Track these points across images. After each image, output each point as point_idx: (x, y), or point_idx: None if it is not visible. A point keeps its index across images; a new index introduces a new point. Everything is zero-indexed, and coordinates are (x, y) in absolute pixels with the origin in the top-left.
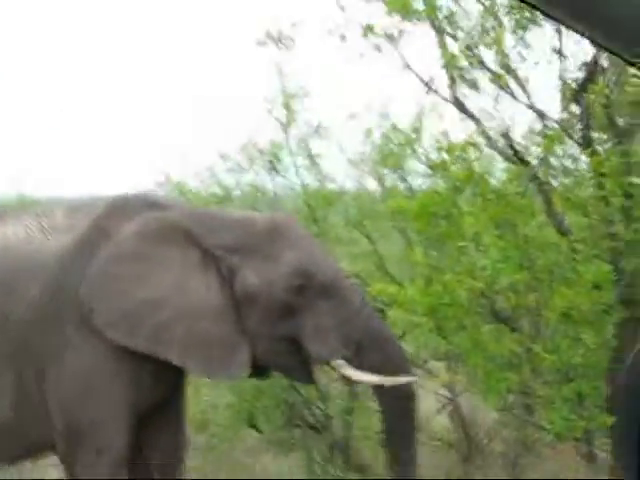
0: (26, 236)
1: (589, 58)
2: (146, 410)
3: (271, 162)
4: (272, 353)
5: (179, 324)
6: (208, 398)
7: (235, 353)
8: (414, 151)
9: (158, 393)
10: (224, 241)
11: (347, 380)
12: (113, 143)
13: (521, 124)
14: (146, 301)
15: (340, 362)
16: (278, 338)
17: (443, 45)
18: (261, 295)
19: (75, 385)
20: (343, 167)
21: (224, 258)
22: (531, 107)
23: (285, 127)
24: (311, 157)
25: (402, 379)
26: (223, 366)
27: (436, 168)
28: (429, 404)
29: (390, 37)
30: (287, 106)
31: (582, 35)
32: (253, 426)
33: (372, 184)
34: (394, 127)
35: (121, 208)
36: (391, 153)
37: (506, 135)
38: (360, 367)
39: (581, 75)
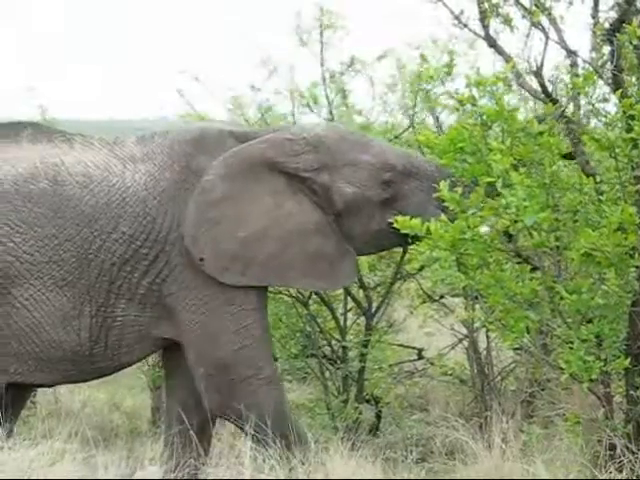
0: (105, 165)
1: None
2: None
3: (308, 104)
4: (379, 245)
5: (287, 249)
6: None
7: (346, 261)
8: (443, 84)
9: None
10: (308, 163)
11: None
12: (134, 69)
13: (552, 63)
14: (249, 238)
15: None
16: (384, 229)
17: None
18: (360, 199)
19: (209, 325)
20: (373, 101)
21: (314, 178)
22: (563, 46)
23: (320, 60)
24: (343, 92)
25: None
26: (339, 276)
27: (465, 102)
28: (444, 339)
29: None
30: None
31: None
32: None
33: (400, 118)
34: (424, 60)
35: (205, 144)
36: (422, 88)
37: (537, 73)
38: None
39: (614, 15)
